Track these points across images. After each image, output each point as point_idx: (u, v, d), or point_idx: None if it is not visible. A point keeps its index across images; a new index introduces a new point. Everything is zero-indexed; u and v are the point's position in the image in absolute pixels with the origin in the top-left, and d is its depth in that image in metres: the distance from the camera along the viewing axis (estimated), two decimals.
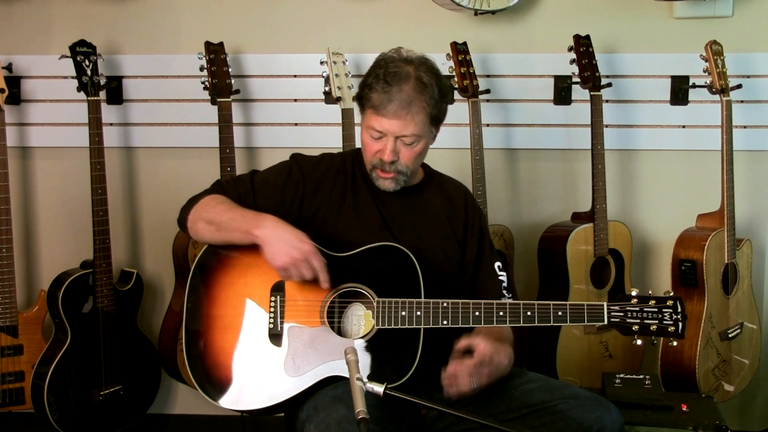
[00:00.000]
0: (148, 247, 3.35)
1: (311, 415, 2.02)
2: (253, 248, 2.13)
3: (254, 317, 2.12)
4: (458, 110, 3.08)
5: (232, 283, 2.15)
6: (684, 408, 2.59)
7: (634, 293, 2.09)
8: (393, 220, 2.24)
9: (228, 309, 2.13)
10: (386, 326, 2.08)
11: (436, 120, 2.20)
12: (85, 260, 3.01)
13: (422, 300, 2.08)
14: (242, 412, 2.09)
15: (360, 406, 1.64)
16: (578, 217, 3.11)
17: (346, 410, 1.94)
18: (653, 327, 2.06)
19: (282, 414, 2.29)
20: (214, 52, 2.99)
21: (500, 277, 2.33)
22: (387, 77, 2.13)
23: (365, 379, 1.73)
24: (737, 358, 3.10)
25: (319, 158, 2.35)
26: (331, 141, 3.05)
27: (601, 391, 2.64)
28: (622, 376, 2.70)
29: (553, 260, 3.03)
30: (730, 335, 3.05)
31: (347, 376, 1.83)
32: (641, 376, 2.70)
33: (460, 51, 3.01)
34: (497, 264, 2.35)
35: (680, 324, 2.05)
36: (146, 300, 3.26)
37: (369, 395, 1.71)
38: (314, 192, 2.25)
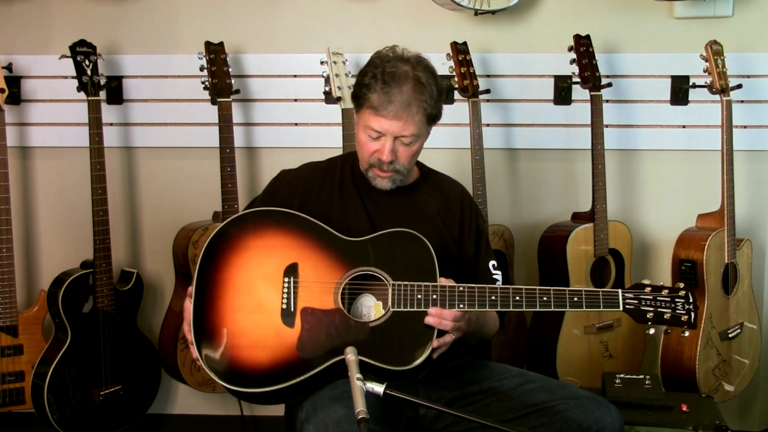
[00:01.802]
0: (148, 247, 3.35)
1: (310, 416, 2.02)
2: (265, 231, 2.14)
3: (266, 298, 2.08)
4: (458, 110, 3.09)
5: (243, 265, 2.11)
6: (684, 408, 2.59)
7: (646, 282, 2.10)
8: (384, 222, 2.23)
9: (239, 290, 2.09)
10: (401, 309, 2.06)
11: (433, 119, 2.21)
12: (85, 260, 3.01)
13: (438, 284, 2.07)
14: (253, 394, 2.02)
15: (360, 406, 1.64)
16: (578, 217, 3.11)
17: (345, 410, 1.94)
18: (667, 315, 2.06)
19: (283, 411, 2.29)
20: (214, 52, 2.99)
21: (495, 276, 2.34)
22: (385, 77, 2.13)
23: (365, 379, 1.73)
24: (737, 358, 3.10)
25: (302, 169, 2.37)
26: (331, 141, 3.05)
27: (601, 391, 2.64)
28: (622, 376, 2.70)
29: (553, 260, 3.03)
30: (730, 335, 3.05)
31: (362, 359, 1.84)
32: (641, 376, 2.70)
33: (460, 51, 3.01)
34: (492, 263, 2.35)
35: (692, 314, 2.06)
36: (146, 300, 3.26)
37: (367, 394, 1.71)
38: (302, 203, 2.26)
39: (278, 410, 2.29)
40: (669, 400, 2.64)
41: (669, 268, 3.06)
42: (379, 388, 1.74)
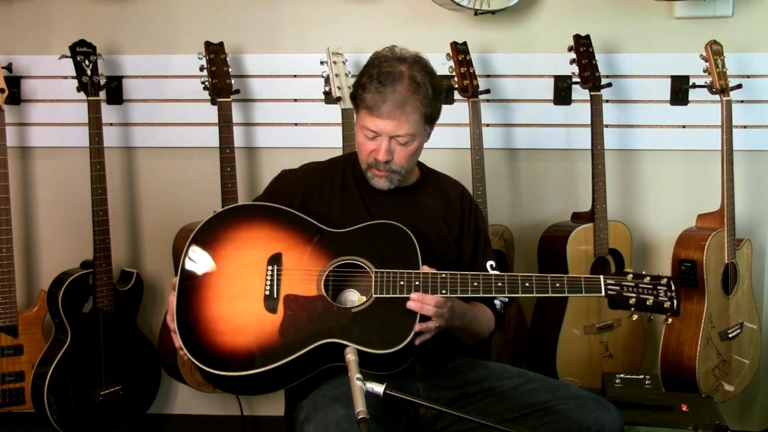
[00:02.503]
0: (148, 247, 3.35)
1: (310, 416, 2.02)
2: (249, 223, 2.15)
3: (249, 286, 2.09)
4: (458, 110, 3.08)
5: (228, 256, 2.13)
6: (684, 408, 2.59)
7: (629, 270, 2.12)
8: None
9: (223, 279, 2.10)
10: (384, 295, 2.07)
11: (430, 119, 2.21)
12: (85, 260, 3.01)
13: (421, 272, 2.08)
14: (235, 378, 2.01)
15: (360, 406, 1.65)
16: (578, 217, 3.11)
17: (345, 410, 1.95)
18: (649, 302, 2.08)
19: (283, 411, 2.29)
20: (214, 52, 2.99)
21: None
22: (380, 77, 2.13)
23: (364, 378, 1.73)
24: (737, 358, 3.10)
25: (303, 169, 2.38)
26: (331, 141, 3.05)
27: (601, 391, 2.64)
28: (622, 376, 2.70)
29: (553, 260, 3.03)
30: (730, 335, 3.05)
31: (345, 343, 1.87)
32: (641, 376, 2.70)
33: (460, 51, 3.01)
34: (490, 263, 2.35)
35: (675, 301, 2.08)
36: (146, 300, 3.26)
37: (367, 394, 1.71)
38: (303, 203, 2.26)
39: (278, 410, 2.29)
40: (669, 400, 2.64)
41: (669, 268, 3.06)
42: (379, 388, 1.74)
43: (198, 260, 2.12)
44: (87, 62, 2.94)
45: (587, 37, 3.05)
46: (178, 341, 2.04)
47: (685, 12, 3.14)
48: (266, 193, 2.36)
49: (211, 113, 3.03)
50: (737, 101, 3.14)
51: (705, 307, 2.94)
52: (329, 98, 3.06)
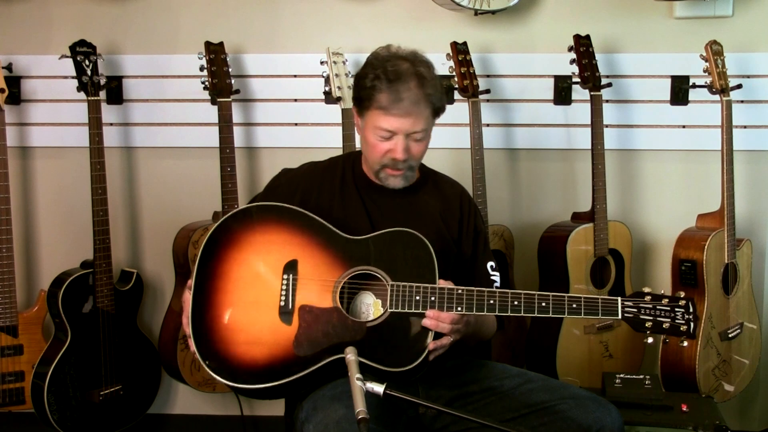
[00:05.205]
0: (148, 247, 3.35)
1: (310, 416, 2.02)
2: (266, 226, 2.14)
3: (265, 295, 2.09)
4: (458, 110, 3.08)
5: (244, 260, 2.12)
6: (684, 408, 2.59)
7: (646, 290, 2.09)
8: (384, 222, 2.22)
9: (238, 285, 2.09)
10: (399, 309, 2.06)
11: (437, 111, 2.22)
12: (85, 260, 3.01)
13: (437, 286, 2.07)
14: (248, 390, 2.03)
15: (360, 406, 1.65)
16: (578, 217, 3.11)
17: (345, 410, 1.94)
18: (666, 325, 2.06)
19: (283, 411, 2.30)
20: (214, 52, 2.99)
21: (492, 277, 2.33)
22: (389, 75, 2.13)
23: (365, 379, 1.73)
24: (737, 358, 3.10)
25: (303, 168, 2.38)
26: (331, 141, 3.05)
27: (601, 391, 2.64)
28: (622, 376, 2.70)
29: (553, 260, 3.03)
30: (730, 335, 3.05)
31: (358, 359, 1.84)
32: (641, 376, 2.70)
33: (460, 51, 3.01)
34: (490, 264, 2.35)
35: (692, 324, 2.05)
36: (146, 300, 3.26)
37: (367, 394, 1.71)
38: (303, 202, 2.25)
39: (278, 410, 2.29)
40: (669, 400, 2.64)
41: (669, 268, 3.06)
42: (379, 388, 1.74)
43: (215, 263, 2.10)
44: (87, 62, 2.94)
45: (587, 37, 3.05)
46: (192, 346, 2.04)
47: (685, 12, 3.14)
48: (266, 192, 2.36)
49: (211, 113, 3.03)
50: (737, 101, 3.14)
51: (705, 307, 2.94)
52: (329, 98, 3.07)
